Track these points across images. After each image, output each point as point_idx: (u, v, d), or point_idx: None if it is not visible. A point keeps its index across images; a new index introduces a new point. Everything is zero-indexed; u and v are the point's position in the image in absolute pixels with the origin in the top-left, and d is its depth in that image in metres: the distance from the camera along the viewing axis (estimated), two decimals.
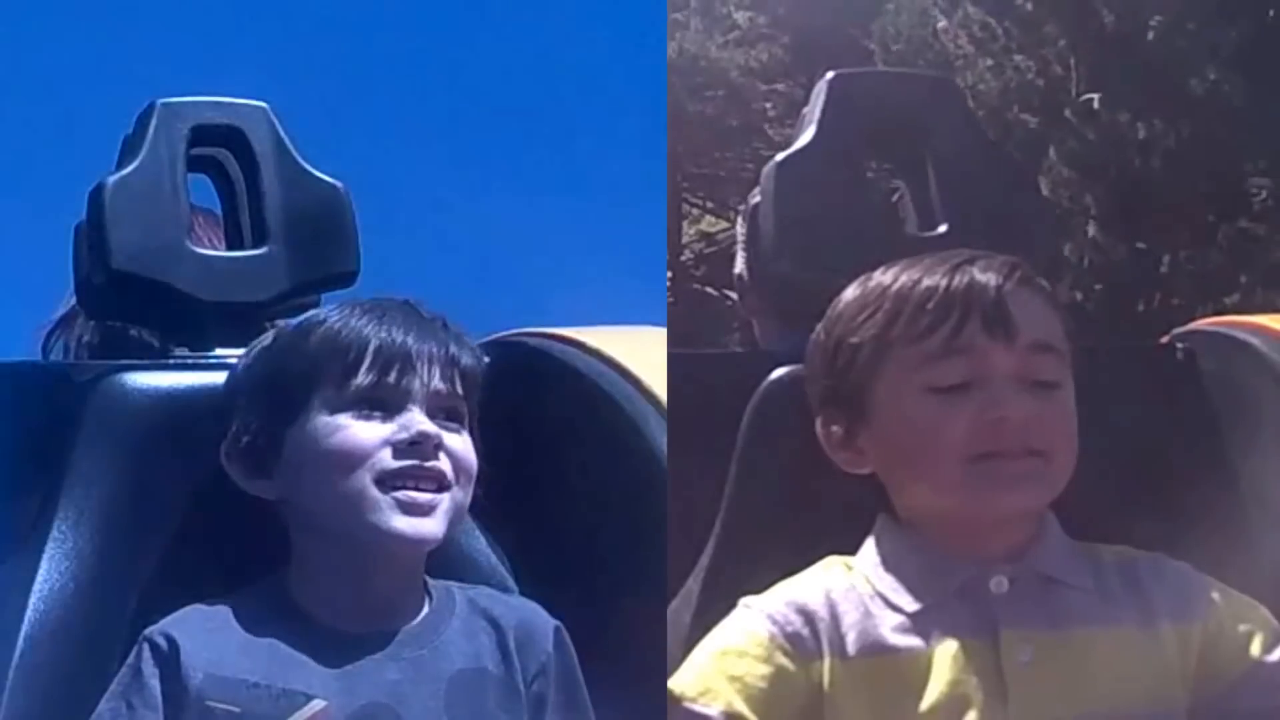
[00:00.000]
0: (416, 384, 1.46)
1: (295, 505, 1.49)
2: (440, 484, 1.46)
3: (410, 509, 1.44)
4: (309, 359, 1.48)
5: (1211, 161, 10.75)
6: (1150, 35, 10.49)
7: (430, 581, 1.51)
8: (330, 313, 1.52)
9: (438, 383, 1.48)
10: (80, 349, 2.13)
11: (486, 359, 1.57)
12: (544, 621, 1.51)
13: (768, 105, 15.59)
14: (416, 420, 1.45)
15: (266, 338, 1.55)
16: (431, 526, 1.45)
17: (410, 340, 1.48)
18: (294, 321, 1.54)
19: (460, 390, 1.49)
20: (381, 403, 1.46)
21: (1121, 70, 10.75)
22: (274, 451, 1.48)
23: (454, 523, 1.48)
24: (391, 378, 1.46)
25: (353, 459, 1.44)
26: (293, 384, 1.48)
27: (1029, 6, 11.11)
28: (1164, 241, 11.55)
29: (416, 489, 1.44)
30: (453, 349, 1.50)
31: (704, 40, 15.75)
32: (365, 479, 1.44)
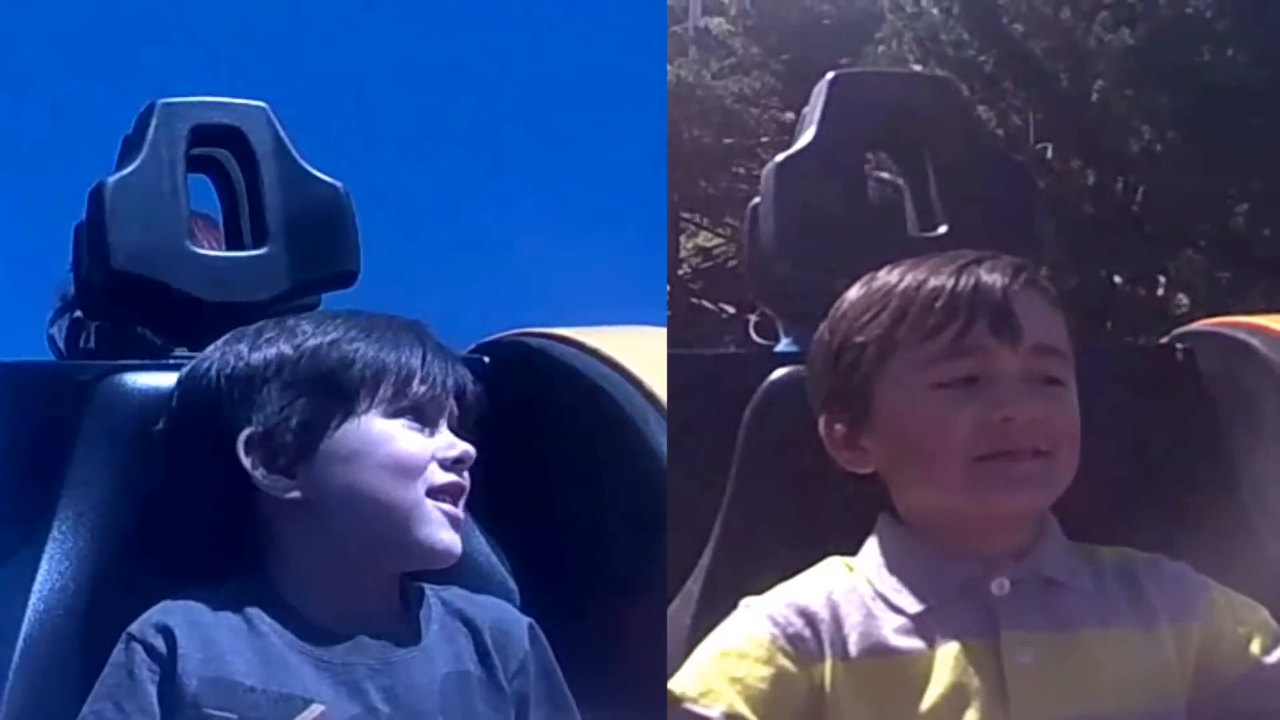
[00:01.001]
0: (448, 406, 1.50)
1: (316, 506, 1.46)
2: (463, 499, 1.49)
3: (455, 524, 1.47)
4: (368, 363, 1.48)
5: (1155, 204, 12.15)
6: (1094, 96, 11.74)
7: (403, 584, 1.51)
8: (365, 320, 1.52)
9: (455, 406, 1.51)
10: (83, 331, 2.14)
11: (476, 358, 1.61)
12: (517, 619, 1.52)
13: (760, 129, 16.15)
14: (453, 437, 1.49)
15: (304, 327, 1.52)
16: (456, 539, 1.48)
17: (443, 362, 1.51)
18: (328, 332, 1.51)
19: (469, 410, 1.53)
20: (419, 414, 1.48)
21: (1071, 124, 11.91)
22: (308, 452, 1.46)
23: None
24: (437, 393, 1.49)
25: (410, 468, 1.46)
26: (346, 386, 1.47)
27: (989, 66, 12.25)
28: (1113, 272, 12.59)
29: (455, 504, 1.48)
30: (464, 375, 1.53)
31: (699, 69, 16.48)
32: (419, 490, 1.46)
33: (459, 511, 1.48)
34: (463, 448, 1.49)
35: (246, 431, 1.47)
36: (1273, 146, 10.73)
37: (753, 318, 2.27)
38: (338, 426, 1.46)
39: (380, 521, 1.45)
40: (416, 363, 1.49)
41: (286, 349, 1.50)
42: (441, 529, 1.46)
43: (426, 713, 1.42)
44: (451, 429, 1.51)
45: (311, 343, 1.50)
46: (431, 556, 1.47)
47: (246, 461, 1.46)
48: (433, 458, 1.47)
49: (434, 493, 1.46)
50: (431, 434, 1.48)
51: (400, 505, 1.45)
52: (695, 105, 15.64)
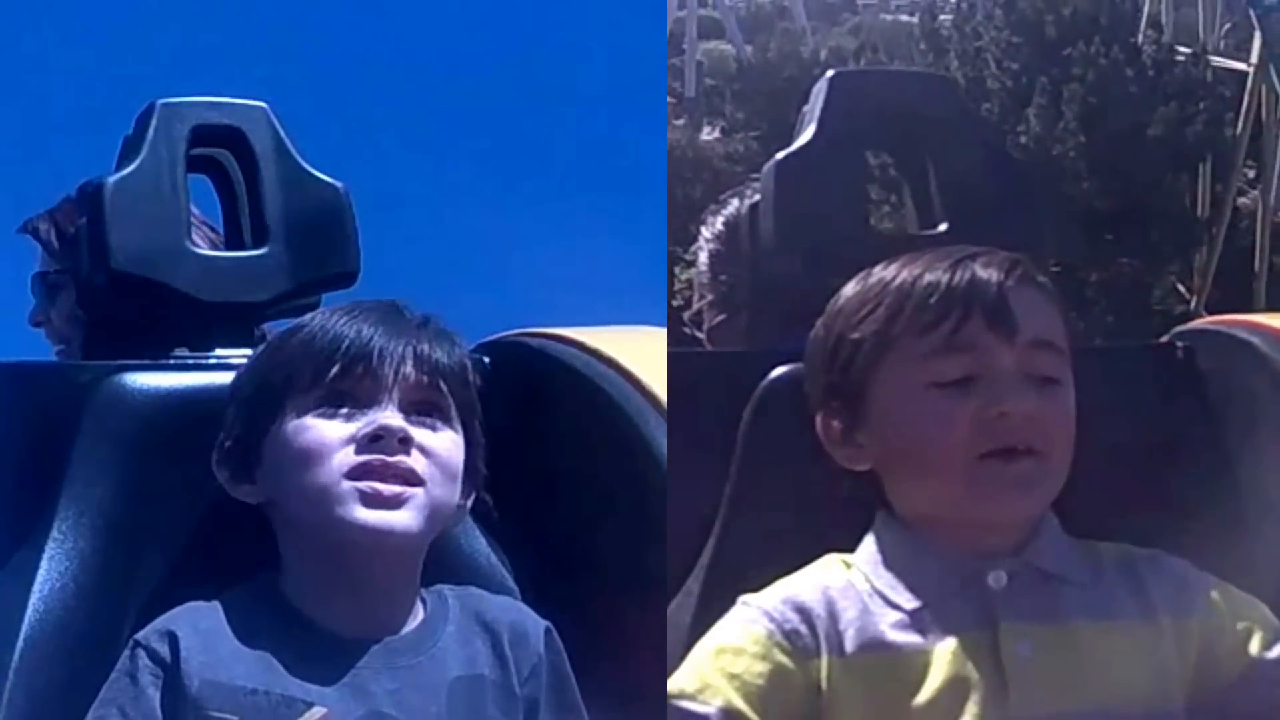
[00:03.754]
0: (385, 379, 1.46)
1: (278, 508, 1.49)
2: (408, 479, 1.44)
3: (374, 501, 1.43)
4: (284, 364, 1.48)
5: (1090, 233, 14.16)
6: (1023, 139, 13.45)
7: (423, 589, 1.51)
8: (313, 317, 1.52)
9: (409, 378, 1.47)
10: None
11: (477, 358, 1.57)
12: (535, 623, 1.51)
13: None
14: (383, 416, 1.45)
15: (258, 347, 1.56)
16: (402, 519, 1.43)
17: (378, 337, 1.47)
18: (280, 329, 1.55)
19: (442, 386, 1.48)
20: (350, 400, 1.46)
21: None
22: (255, 456, 1.48)
23: (436, 520, 1.47)
24: (358, 374, 1.46)
25: (320, 455, 1.44)
26: (269, 389, 1.48)
27: None
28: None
29: (381, 481, 1.43)
30: (425, 346, 1.49)
31: (692, 133, 18.33)
32: (334, 474, 1.43)
33: (386, 487, 1.43)
34: (382, 423, 1.44)
35: (215, 449, 1.51)
36: None
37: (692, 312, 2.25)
38: (268, 430, 1.47)
39: (307, 511, 1.45)
40: (345, 348, 1.46)
41: (243, 368, 1.54)
42: (358, 508, 1.42)
43: (434, 716, 1.42)
44: (412, 403, 1.46)
45: (257, 357, 1.53)
46: (358, 535, 1.42)
47: (218, 474, 1.51)
48: (351, 439, 1.44)
49: (352, 474, 1.43)
50: (354, 418, 1.45)
51: (314, 491, 1.43)
52: (688, 169, 16.85)
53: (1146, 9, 19.41)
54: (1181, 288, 18.32)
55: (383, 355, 1.46)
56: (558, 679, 1.49)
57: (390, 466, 1.43)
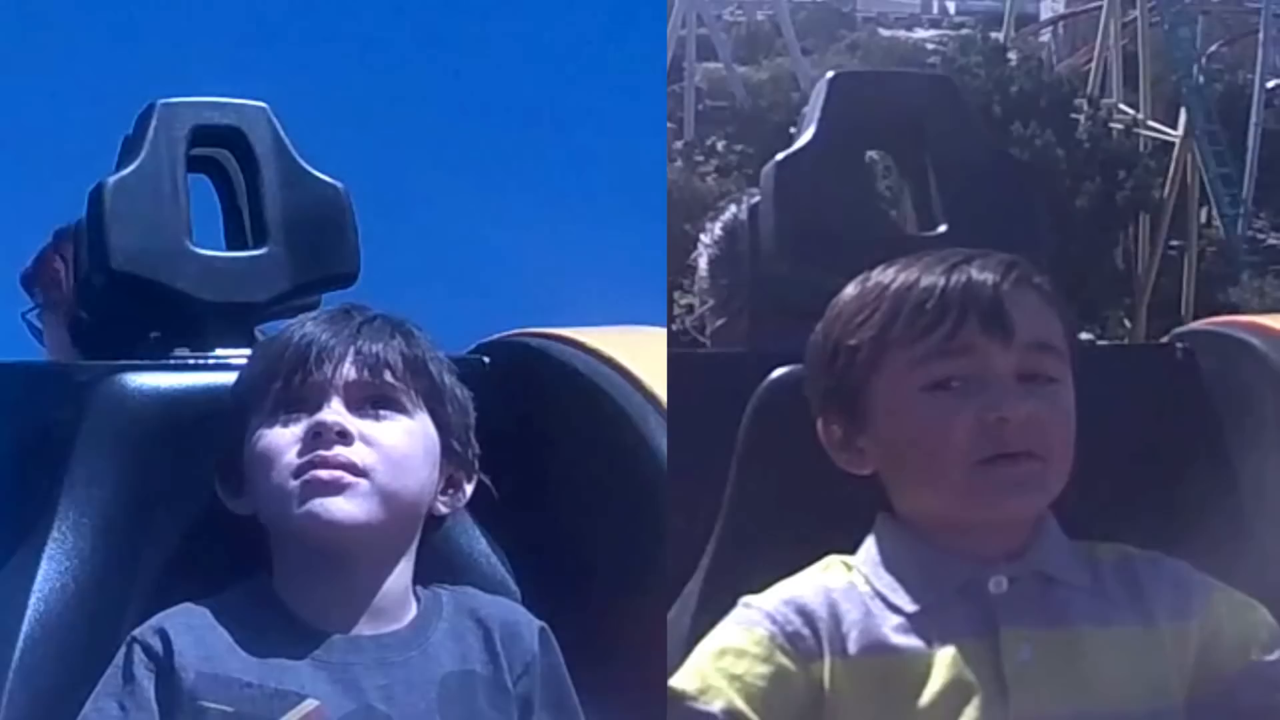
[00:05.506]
0: (327, 381, 1.49)
1: (264, 517, 1.51)
2: (350, 469, 1.47)
3: (314, 488, 1.46)
4: (246, 379, 1.54)
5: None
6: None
7: (419, 588, 1.52)
8: (280, 333, 1.55)
9: (349, 375, 1.50)
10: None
11: (476, 357, 1.61)
12: (528, 621, 1.52)
13: None
14: (322, 414, 1.48)
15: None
16: (345, 507, 1.46)
17: (316, 342, 1.50)
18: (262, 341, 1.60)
19: (387, 377, 1.51)
20: (300, 404, 1.49)
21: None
22: (238, 470, 1.52)
23: (393, 508, 1.48)
24: (299, 380, 1.49)
25: (272, 460, 1.48)
26: (239, 406, 1.53)
27: None
28: None
29: (324, 469, 1.46)
30: (364, 342, 1.51)
31: (689, 174, 19.39)
32: (284, 474, 1.47)
33: (327, 473, 1.45)
34: (318, 419, 1.47)
35: (215, 463, 1.54)
36: None
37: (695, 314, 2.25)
38: (243, 444, 1.51)
39: (270, 515, 1.49)
40: (287, 356, 1.50)
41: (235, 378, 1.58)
42: (309, 500, 1.45)
43: (423, 711, 1.43)
44: (360, 398, 1.49)
45: (239, 371, 1.57)
46: (310, 523, 1.46)
47: (219, 490, 1.54)
48: (298, 439, 1.47)
49: (297, 471, 1.46)
50: (300, 420, 1.48)
51: (273, 494, 1.47)
52: (683, 204, 17.44)
53: (1089, 85, 22.19)
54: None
55: (320, 358, 1.50)
56: (552, 678, 1.50)
57: (328, 460, 1.46)
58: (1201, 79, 21.90)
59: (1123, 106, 22.05)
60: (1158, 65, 22.21)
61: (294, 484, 1.46)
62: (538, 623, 1.52)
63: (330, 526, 1.46)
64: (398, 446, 1.49)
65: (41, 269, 2.54)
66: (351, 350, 1.50)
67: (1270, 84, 22.93)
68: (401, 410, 1.51)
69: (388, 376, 1.51)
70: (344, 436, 1.47)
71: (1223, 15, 24.97)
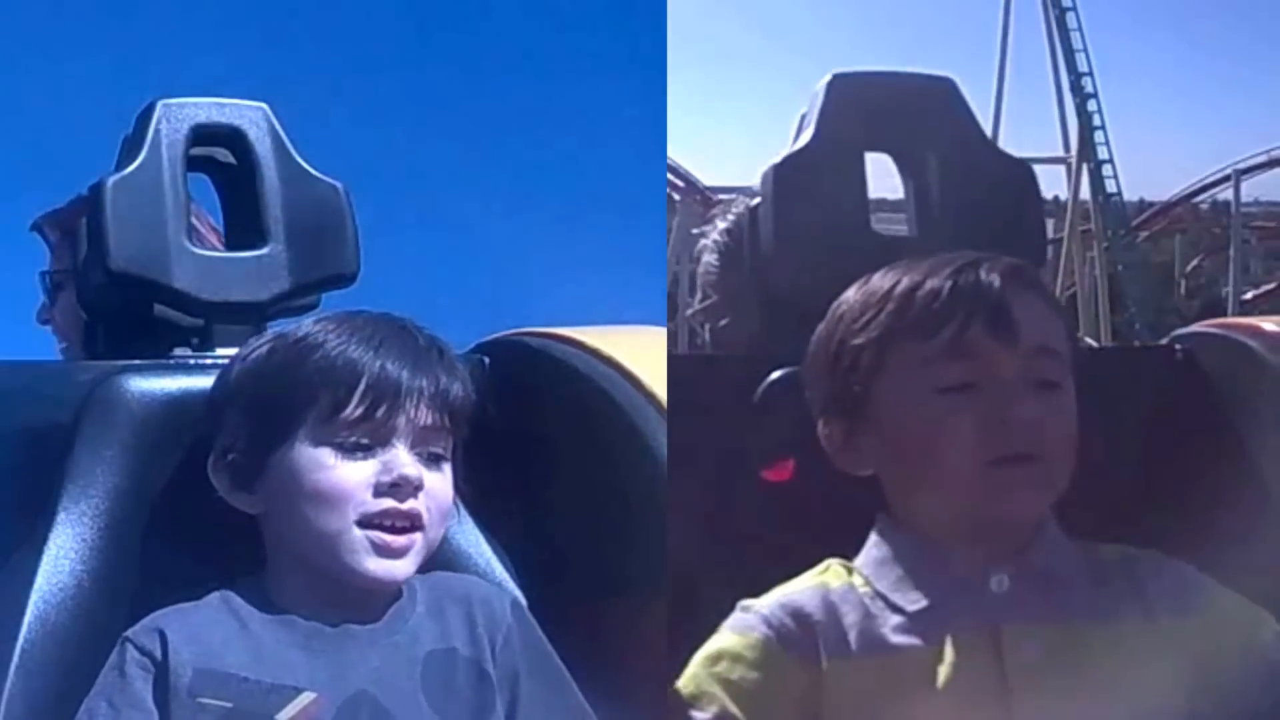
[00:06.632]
0: (403, 420, 1.46)
1: (273, 523, 1.49)
2: (415, 524, 1.46)
3: (384, 551, 1.44)
4: (302, 385, 1.47)
5: None
6: None
7: None
8: (328, 333, 1.49)
9: (425, 419, 1.47)
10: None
11: (477, 358, 1.58)
12: (499, 594, 1.53)
13: None
14: (399, 460, 1.45)
15: (263, 347, 1.53)
16: (403, 568, 1.45)
17: (404, 375, 1.47)
18: (291, 335, 1.52)
19: (448, 424, 1.49)
20: (368, 438, 1.45)
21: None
22: (258, 470, 1.48)
23: (427, 556, 1.48)
24: (380, 414, 1.45)
25: (336, 499, 1.44)
26: (283, 408, 1.47)
27: None
28: None
29: (392, 530, 1.44)
30: (444, 381, 1.49)
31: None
32: (347, 520, 1.44)
33: (396, 539, 1.44)
34: (401, 472, 1.44)
35: (214, 453, 1.50)
36: None
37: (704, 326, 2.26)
38: (276, 449, 1.46)
39: (312, 548, 1.46)
40: (369, 384, 1.45)
41: (248, 361, 1.52)
42: (369, 558, 1.44)
43: (409, 691, 1.44)
44: (424, 444, 1.47)
45: (266, 365, 1.50)
46: (364, 581, 1.45)
47: (215, 480, 1.50)
48: (370, 483, 1.44)
49: (366, 521, 1.44)
50: (371, 456, 1.45)
51: (326, 534, 1.44)
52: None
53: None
54: None
55: (406, 394, 1.46)
56: (532, 647, 1.50)
57: (401, 513, 1.45)
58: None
59: None
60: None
61: (357, 534, 1.43)
62: (510, 595, 1.53)
63: (381, 584, 1.46)
64: (447, 497, 1.49)
65: (64, 217, 2.51)
66: (430, 389, 1.47)
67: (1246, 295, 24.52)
68: (447, 458, 1.50)
69: (448, 422, 1.49)
70: (417, 490, 1.45)
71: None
